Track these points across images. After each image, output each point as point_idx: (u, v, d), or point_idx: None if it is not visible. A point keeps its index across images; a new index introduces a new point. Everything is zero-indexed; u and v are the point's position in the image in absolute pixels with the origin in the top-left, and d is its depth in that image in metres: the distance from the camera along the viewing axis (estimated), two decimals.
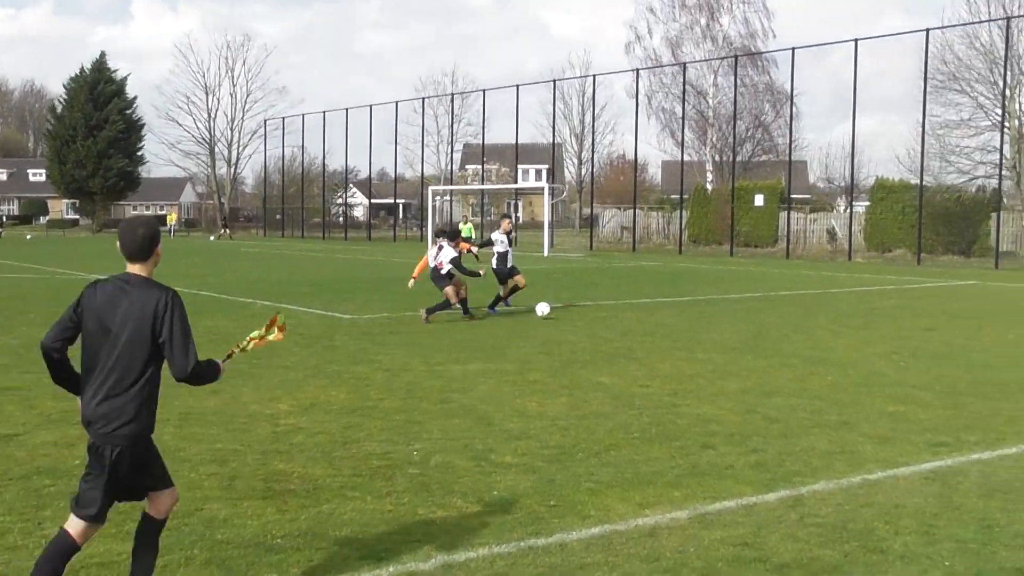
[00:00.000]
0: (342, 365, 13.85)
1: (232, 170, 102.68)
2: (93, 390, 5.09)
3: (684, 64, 59.35)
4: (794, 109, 53.61)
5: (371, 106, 70.10)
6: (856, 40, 44.46)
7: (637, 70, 60.30)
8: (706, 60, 63.82)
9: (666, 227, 59.35)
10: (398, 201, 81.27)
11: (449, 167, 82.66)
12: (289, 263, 42.53)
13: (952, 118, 53.51)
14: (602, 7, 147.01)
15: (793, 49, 49.05)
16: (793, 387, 12.46)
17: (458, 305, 19.30)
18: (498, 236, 21.40)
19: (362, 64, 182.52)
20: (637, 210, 58.45)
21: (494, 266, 21.01)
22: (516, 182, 75.14)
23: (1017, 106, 53.23)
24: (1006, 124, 51.01)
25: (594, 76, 63.61)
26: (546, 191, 55.33)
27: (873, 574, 6.11)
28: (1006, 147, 50.76)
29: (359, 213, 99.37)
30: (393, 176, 79.45)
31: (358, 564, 6.20)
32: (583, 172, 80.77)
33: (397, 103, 69.40)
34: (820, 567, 6.21)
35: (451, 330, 17.97)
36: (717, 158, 64.54)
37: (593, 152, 72.15)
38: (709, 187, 59.99)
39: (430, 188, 64.80)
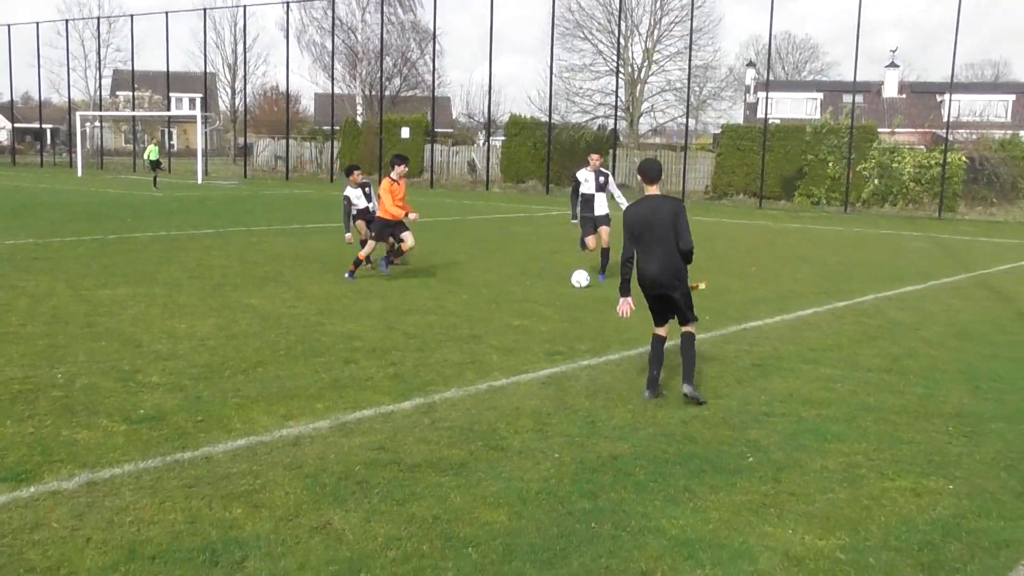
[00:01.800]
0: None
1: None
2: (652, 262, 8.23)
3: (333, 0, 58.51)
4: (438, 47, 54.25)
5: (9, 26, 63.91)
6: None
7: (288, 2, 58.56)
8: None
9: (319, 157, 58.65)
10: (44, 126, 74.97)
11: (98, 93, 77.16)
12: None
13: (576, 63, 56.21)
14: None
15: None
16: (431, 305, 12.83)
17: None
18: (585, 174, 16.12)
19: None
20: (290, 140, 57.38)
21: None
22: (169, 110, 71.30)
23: (630, 54, 56.72)
24: (621, 70, 54.29)
25: (244, 7, 61.18)
26: (199, 120, 53.09)
27: (494, 468, 6.49)
28: (621, 91, 54.07)
29: (2, 138, 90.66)
30: (38, 100, 73.00)
31: None
32: (237, 102, 77.84)
33: (38, 24, 63.62)
34: (448, 465, 6.52)
35: (99, 255, 16.98)
36: (367, 92, 64.26)
37: (246, 83, 69.82)
38: (359, 119, 59.74)
39: (78, 114, 60.21)
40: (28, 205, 29.33)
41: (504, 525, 5.55)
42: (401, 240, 15.20)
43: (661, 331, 8.50)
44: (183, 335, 10.36)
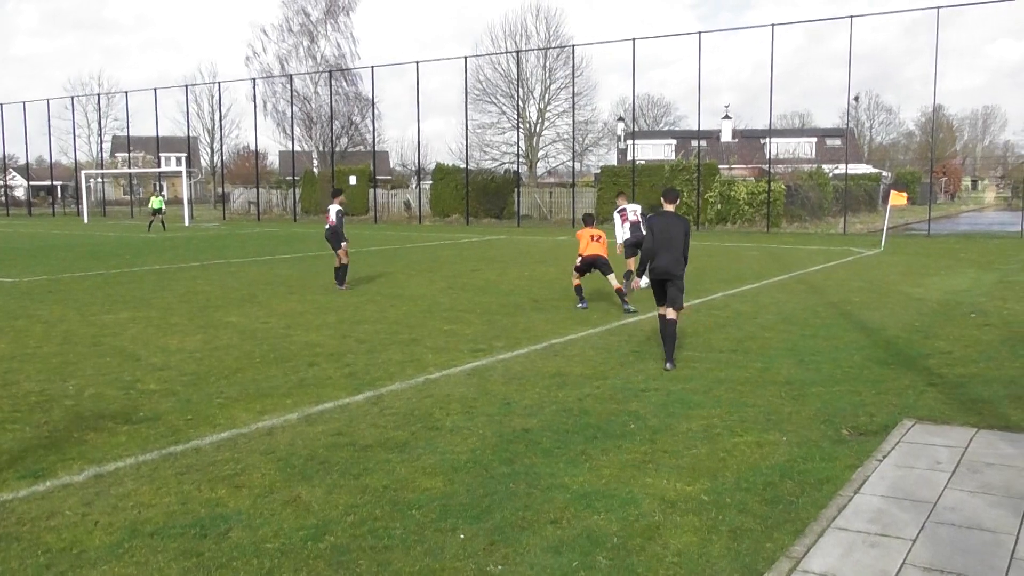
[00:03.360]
0: (2, 320, 12.18)
1: None
2: (663, 258, 8.80)
3: (291, 76, 57.52)
4: (376, 112, 53.74)
5: (24, 102, 61.39)
6: (417, 62, 45.24)
7: (255, 79, 57.40)
8: (308, 73, 62.07)
9: (284, 201, 57.53)
10: (55, 183, 72.27)
11: (100, 155, 74.72)
12: None
13: (487, 121, 56.45)
14: (225, 28, 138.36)
15: (373, 67, 49.10)
16: (377, 316, 12.63)
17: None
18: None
19: (18, 66, 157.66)
20: (260, 189, 56.27)
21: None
22: (159, 167, 69.33)
23: (528, 113, 57.05)
24: (521, 126, 54.55)
25: (219, 83, 60.17)
26: (184, 174, 51.62)
27: (431, 444, 6.37)
28: (522, 142, 54.35)
29: (20, 193, 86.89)
30: (50, 162, 70.29)
31: (17, 484, 5.53)
32: (215, 159, 76.17)
33: (48, 100, 61.28)
34: (394, 444, 6.38)
35: (104, 287, 16.36)
36: (321, 148, 63.28)
37: (222, 143, 68.62)
38: (316, 170, 58.76)
39: (84, 172, 58.04)
40: (43, 248, 28.18)
41: (440, 490, 5.44)
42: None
43: (663, 311, 8.98)
44: (175, 349, 10.02)
